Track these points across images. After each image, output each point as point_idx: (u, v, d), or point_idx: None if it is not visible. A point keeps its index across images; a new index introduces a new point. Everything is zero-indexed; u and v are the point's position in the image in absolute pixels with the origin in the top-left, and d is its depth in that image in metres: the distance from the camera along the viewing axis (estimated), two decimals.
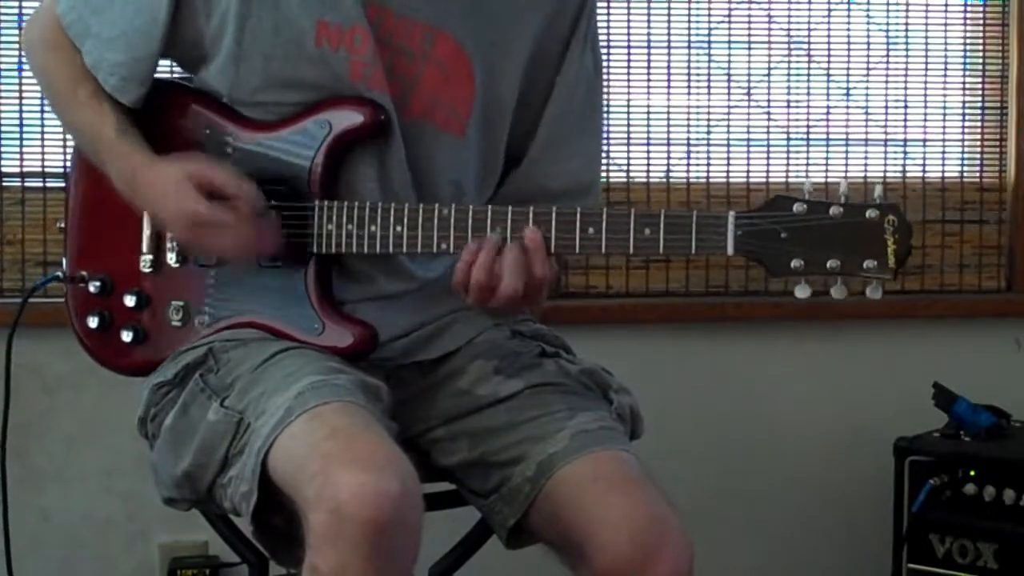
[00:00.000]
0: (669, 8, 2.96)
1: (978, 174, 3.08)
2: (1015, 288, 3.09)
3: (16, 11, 2.81)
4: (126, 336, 1.95)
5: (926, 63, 3.05)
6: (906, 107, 3.05)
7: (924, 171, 3.06)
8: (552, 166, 1.97)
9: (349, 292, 1.90)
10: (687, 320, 2.97)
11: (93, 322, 1.97)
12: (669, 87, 2.98)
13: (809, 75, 3.02)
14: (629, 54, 2.96)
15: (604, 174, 2.77)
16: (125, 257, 1.94)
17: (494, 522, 1.85)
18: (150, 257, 1.94)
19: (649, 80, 2.97)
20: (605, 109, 2.48)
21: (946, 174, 3.08)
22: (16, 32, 2.79)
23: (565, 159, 1.98)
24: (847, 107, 3.04)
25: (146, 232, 1.94)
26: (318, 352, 1.83)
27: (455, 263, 1.80)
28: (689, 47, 2.98)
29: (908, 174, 3.06)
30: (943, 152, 3.08)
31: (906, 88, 3.05)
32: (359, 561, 1.55)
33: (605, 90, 2.28)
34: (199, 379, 1.83)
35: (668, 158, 2.99)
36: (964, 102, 3.08)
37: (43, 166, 2.83)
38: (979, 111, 3.08)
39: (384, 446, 1.63)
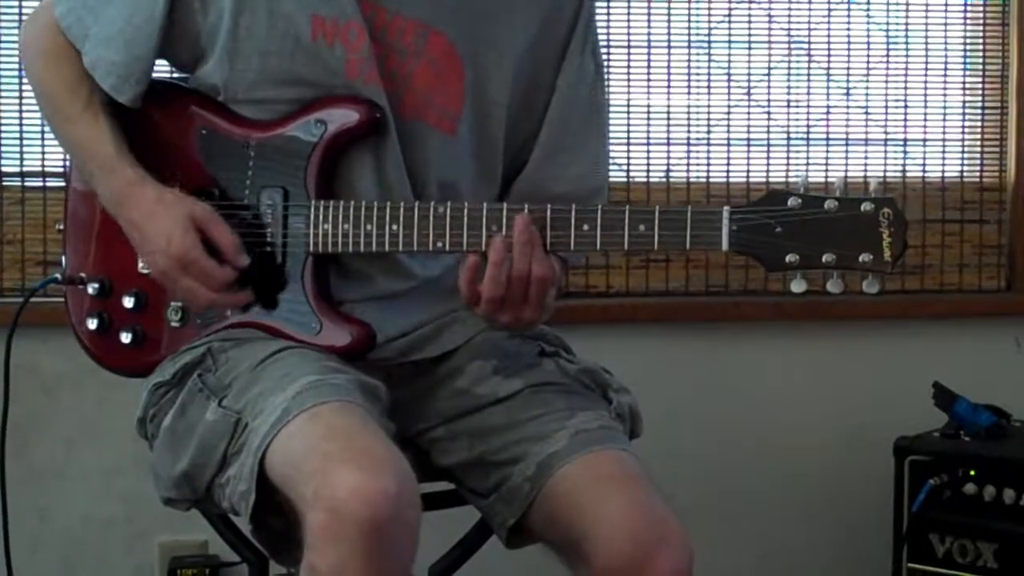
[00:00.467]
0: (669, 8, 2.96)
1: (978, 174, 3.08)
2: (1015, 288, 3.09)
3: (16, 11, 2.81)
4: (125, 337, 1.95)
5: (926, 63, 3.05)
6: (906, 107, 3.05)
7: (924, 171, 3.06)
8: (555, 170, 1.97)
9: (348, 292, 1.90)
10: (687, 320, 2.97)
11: (93, 324, 1.97)
12: (669, 87, 2.97)
13: (809, 75, 3.02)
14: (629, 54, 2.95)
15: None
16: (123, 258, 1.93)
17: (494, 522, 1.85)
18: None
19: (649, 80, 2.97)
20: None
21: (946, 174, 3.07)
22: (16, 32, 2.78)
23: (568, 163, 1.97)
24: (847, 107, 3.04)
25: None
26: (316, 352, 1.82)
27: (454, 262, 1.80)
28: (689, 47, 2.98)
29: (908, 174, 3.06)
30: (943, 152, 3.08)
31: (906, 88, 3.05)
32: (357, 560, 1.55)
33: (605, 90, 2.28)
34: (197, 379, 1.83)
35: (668, 158, 2.99)
36: (964, 102, 3.08)
37: (43, 166, 2.83)
38: (979, 111, 3.07)
39: (381, 445, 1.63)
